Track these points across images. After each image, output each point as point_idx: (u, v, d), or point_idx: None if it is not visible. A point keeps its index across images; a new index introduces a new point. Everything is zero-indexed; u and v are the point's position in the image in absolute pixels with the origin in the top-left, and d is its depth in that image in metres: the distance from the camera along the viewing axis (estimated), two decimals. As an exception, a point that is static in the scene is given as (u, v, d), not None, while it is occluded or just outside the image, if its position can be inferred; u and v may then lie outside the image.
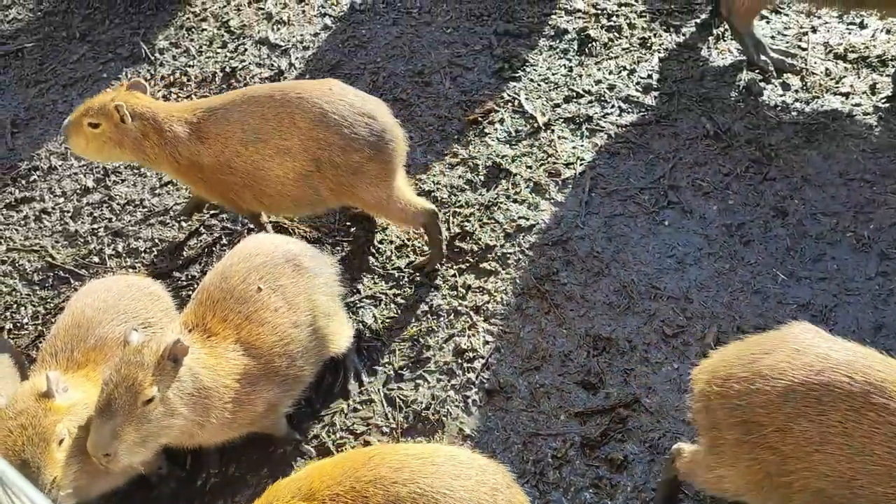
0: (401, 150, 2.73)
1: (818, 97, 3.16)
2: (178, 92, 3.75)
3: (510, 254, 2.87)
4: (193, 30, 4.08)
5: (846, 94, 3.15)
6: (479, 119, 3.36)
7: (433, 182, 3.17)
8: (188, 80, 3.80)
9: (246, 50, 3.89)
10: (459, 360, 2.61)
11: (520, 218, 2.97)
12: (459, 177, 3.17)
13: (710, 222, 2.81)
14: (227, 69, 3.81)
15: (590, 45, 3.58)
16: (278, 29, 3.97)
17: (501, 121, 3.34)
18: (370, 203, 2.72)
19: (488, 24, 3.77)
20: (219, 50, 3.93)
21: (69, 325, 2.24)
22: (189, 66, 3.87)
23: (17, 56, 4.12)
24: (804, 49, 3.37)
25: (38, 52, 4.11)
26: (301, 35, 3.91)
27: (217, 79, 3.77)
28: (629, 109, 3.28)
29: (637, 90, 3.35)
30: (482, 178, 3.15)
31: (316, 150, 2.60)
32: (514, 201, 3.04)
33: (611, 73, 3.45)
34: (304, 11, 4.05)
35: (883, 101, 3.07)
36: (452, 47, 3.69)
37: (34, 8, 4.41)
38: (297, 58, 3.79)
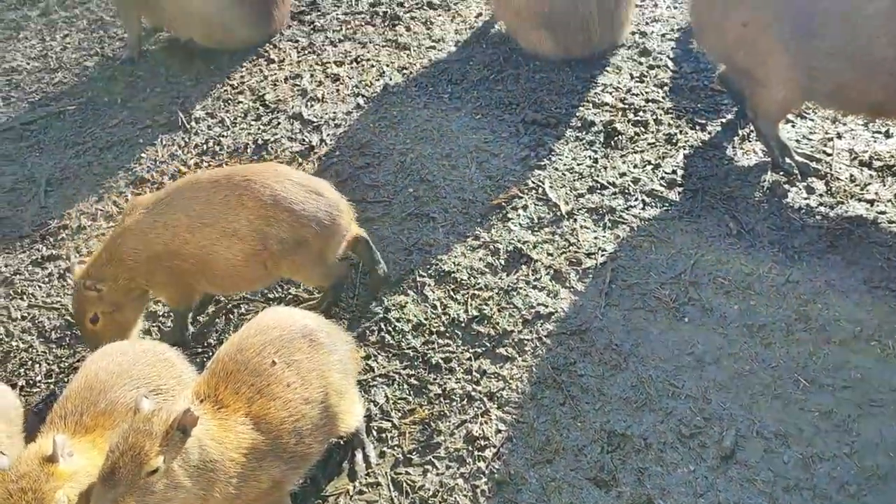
0: (345, 225, 2.88)
1: (842, 203, 3.17)
2: (210, 161, 3.84)
3: (527, 340, 2.84)
4: (230, 101, 4.20)
5: (871, 202, 3.15)
6: (503, 204, 3.40)
7: (454, 263, 3.18)
8: (220, 150, 3.89)
9: (279, 124, 3.99)
10: (470, 448, 2.56)
11: (539, 305, 2.95)
12: (480, 259, 3.18)
13: (730, 322, 2.78)
14: (260, 141, 3.90)
15: (616, 138, 3.64)
16: (312, 105, 4.08)
17: (525, 207, 3.38)
18: (303, 273, 2.85)
19: (516, 112, 3.86)
20: (252, 122, 4.04)
21: (81, 387, 2.23)
22: (223, 136, 3.98)
23: (59, 117, 4.25)
24: (829, 154, 3.40)
25: (80, 115, 4.25)
26: (334, 112, 4.01)
27: (249, 150, 3.86)
28: (653, 203, 3.30)
29: (661, 185, 3.38)
30: (503, 262, 3.16)
31: (265, 227, 2.68)
32: (534, 287, 3.03)
33: (636, 166, 3.49)
34: (338, 90, 4.17)
35: (908, 210, 3.07)
36: (480, 133, 3.77)
37: (80, 73, 4.59)
38: (328, 134, 3.88)
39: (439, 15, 4.67)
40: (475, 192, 3.47)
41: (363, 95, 4.11)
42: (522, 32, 4.12)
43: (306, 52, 4.52)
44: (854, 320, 2.71)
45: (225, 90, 4.30)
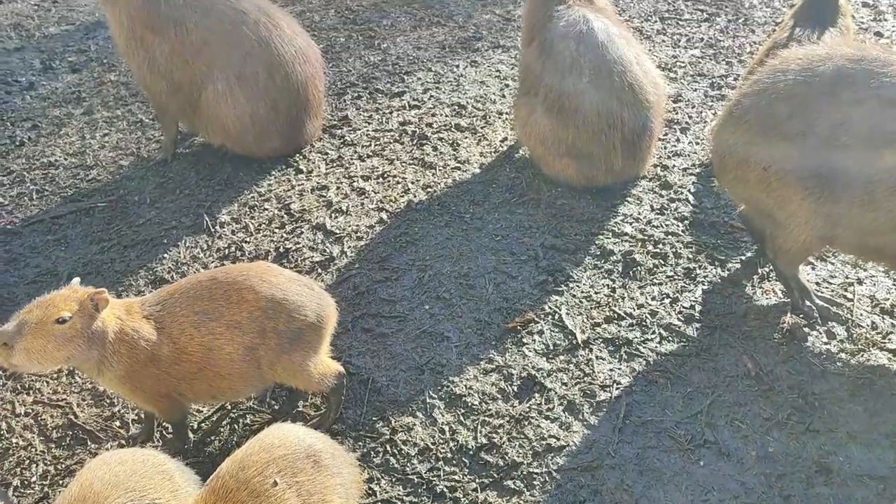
0: (333, 319, 2.95)
1: (864, 350, 3.11)
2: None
3: (537, 474, 2.75)
4: (255, 208, 4.29)
5: (893, 352, 3.09)
6: (519, 328, 3.38)
7: (465, 386, 3.13)
8: (242, 256, 3.94)
9: (302, 233, 4.05)
10: (470, 588, 2.43)
11: (550, 437, 2.88)
12: (493, 384, 3.13)
13: (748, 468, 2.69)
14: (281, 249, 3.95)
15: (634, 268, 3.65)
16: (336, 217, 4.15)
17: (540, 332, 3.35)
18: (298, 370, 2.82)
19: (536, 236, 3.89)
20: (276, 230, 4.10)
21: (75, 496, 2.16)
22: (245, 241, 4.03)
23: (89, 213, 4.35)
24: (850, 300, 3.37)
25: (109, 212, 4.34)
26: (357, 225, 4.07)
27: (269, 257, 3.90)
28: (670, 338, 3.27)
29: (679, 319, 3.35)
30: (515, 388, 3.11)
31: (264, 319, 2.73)
32: (546, 418, 2.96)
33: (654, 298, 3.48)
34: (362, 204, 4.24)
35: (932, 362, 3.01)
36: (499, 255, 3.79)
37: (114, 171, 4.72)
38: (349, 247, 3.92)
39: (466, 137, 4.80)
40: (491, 314, 3.46)
41: (387, 210, 4.18)
42: (546, 159, 4.22)
43: (335, 164, 4.64)
44: (877, 476, 2.61)
45: (252, 196, 4.39)
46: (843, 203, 2.90)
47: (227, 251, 3.98)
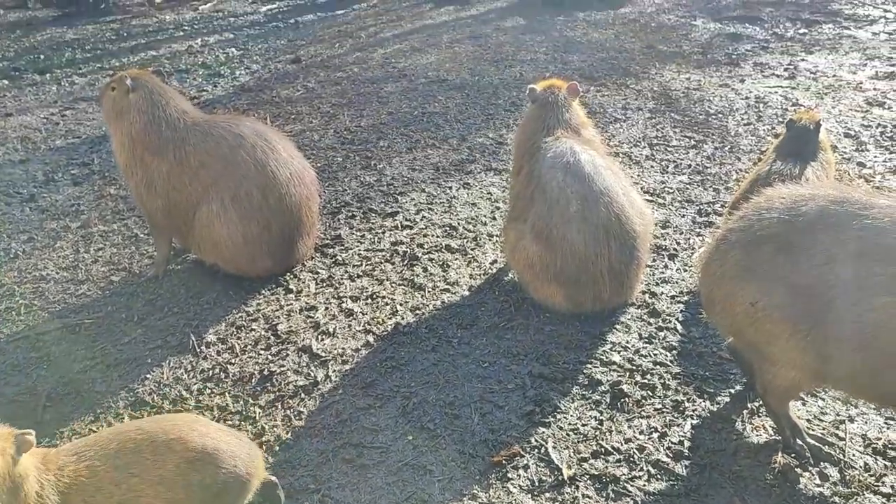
0: (260, 474, 2.88)
1: (858, 494, 3.02)
2: (214, 388, 3.82)
3: None
4: (243, 328, 4.27)
5: (888, 496, 3.00)
6: (504, 462, 3.29)
7: (447, 525, 3.01)
8: (225, 377, 3.89)
9: (287, 355, 4.01)
10: None
11: (533, 583, 2.75)
12: (475, 523, 3.02)
13: None
14: (266, 372, 3.90)
15: (622, 399, 3.59)
16: (322, 339, 4.13)
17: (526, 467, 3.26)
18: None
19: (524, 363, 3.86)
20: (262, 351, 4.06)
21: None
22: (230, 363, 3.99)
23: (75, 330, 4.32)
24: (842, 438, 3.31)
25: (95, 329, 4.32)
26: (343, 348, 4.04)
27: (253, 380, 3.85)
28: (658, 476, 3.17)
29: (667, 456, 3.27)
30: (499, 528, 2.99)
31: (190, 472, 2.62)
32: (530, 561, 2.84)
33: (642, 432, 3.41)
34: (350, 325, 4.23)
35: (928, 510, 2.91)
36: (486, 382, 3.74)
37: (104, 287, 4.73)
38: (334, 371, 3.88)
39: (456, 259, 4.85)
40: (476, 447, 3.38)
41: (374, 333, 4.16)
42: (534, 284, 4.24)
43: (324, 284, 4.65)
44: None
45: (240, 316, 4.38)
46: (831, 342, 2.89)
47: (210, 373, 3.93)
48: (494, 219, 5.34)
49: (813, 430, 3.33)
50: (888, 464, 3.17)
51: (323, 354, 4.01)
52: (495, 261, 4.82)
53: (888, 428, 3.35)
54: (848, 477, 3.11)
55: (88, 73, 10.21)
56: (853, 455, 3.22)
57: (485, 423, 3.50)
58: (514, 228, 4.32)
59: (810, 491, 3.05)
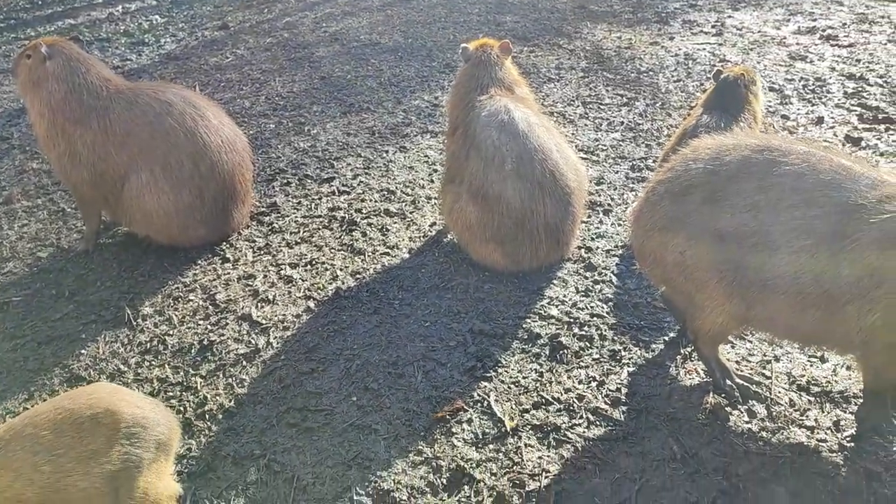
0: (177, 438, 2.85)
1: (784, 428, 3.18)
2: (152, 360, 3.76)
3: (466, 572, 2.68)
4: (180, 299, 4.20)
5: (811, 429, 3.17)
6: (448, 417, 3.34)
7: (394, 481, 3.06)
8: (164, 349, 3.83)
9: (227, 324, 3.97)
10: None
11: (479, 531, 2.82)
12: (421, 478, 3.07)
13: (677, 556, 2.68)
14: (206, 342, 3.86)
15: (561, 351, 3.68)
16: (262, 307, 4.10)
17: (469, 421, 3.32)
18: (146, 494, 2.67)
19: (465, 321, 3.91)
20: (200, 321, 4.01)
21: None
22: (168, 334, 3.93)
23: (2, 309, 4.18)
24: (768, 377, 3.46)
25: (24, 307, 4.19)
26: (283, 315, 4.02)
27: (193, 350, 3.81)
28: (597, 422, 3.28)
29: (606, 403, 3.37)
30: (444, 481, 3.05)
31: (125, 444, 2.58)
32: (476, 511, 2.91)
33: (581, 382, 3.50)
34: (289, 292, 4.20)
35: (847, 439, 3.08)
36: (428, 341, 3.78)
37: (31, 263, 4.58)
38: (275, 337, 3.86)
39: (395, 222, 4.85)
40: (420, 404, 3.42)
41: (314, 298, 4.14)
42: (472, 245, 4.28)
43: (262, 252, 4.60)
44: (802, 559, 2.63)
45: (176, 287, 4.31)
46: (755, 286, 3.00)
47: (148, 345, 3.87)
48: (432, 181, 5.35)
49: (741, 371, 3.47)
50: (811, 399, 3.33)
51: (263, 322, 3.98)
52: (434, 223, 4.83)
53: (811, 365, 3.52)
54: (774, 413, 3.26)
55: (2, 44, 9.74)
56: (779, 392, 3.37)
57: (428, 381, 3.54)
58: (451, 190, 4.33)
59: (739, 428, 3.19)
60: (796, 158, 2.94)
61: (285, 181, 5.44)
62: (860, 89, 6.97)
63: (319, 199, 5.17)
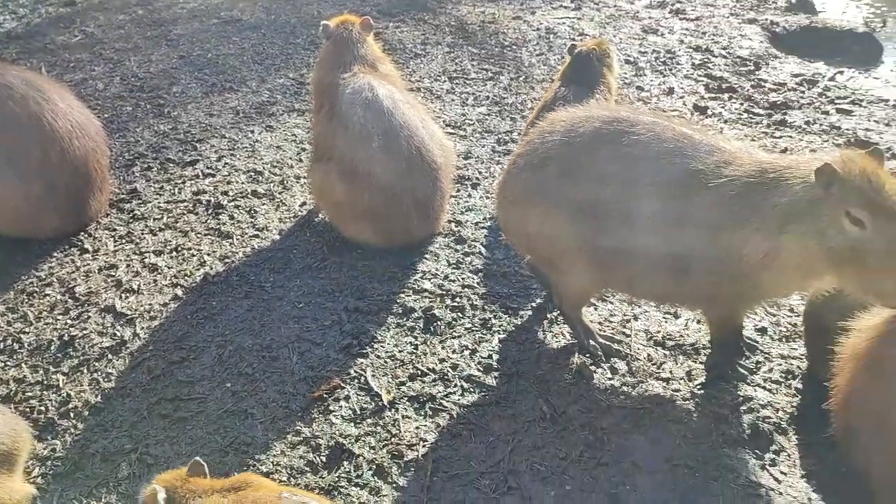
0: (27, 446, 2.86)
1: (643, 381, 3.40)
2: (7, 360, 3.55)
3: (348, 545, 2.73)
4: (35, 294, 3.98)
5: (667, 380, 3.41)
6: (325, 396, 3.36)
7: (272, 463, 3.05)
8: (20, 348, 3.62)
9: (89, 318, 3.80)
10: None
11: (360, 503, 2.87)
12: (300, 457, 3.08)
13: (548, 509, 2.83)
14: (66, 337, 3.68)
15: (435, 323, 3.76)
16: (126, 297, 3.94)
17: (347, 398, 3.35)
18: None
19: (339, 300, 3.92)
20: (59, 316, 3.82)
21: None
22: (24, 332, 3.72)
23: None
24: (628, 335, 3.68)
25: None
26: (150, 304, 3.89)
27: (53, 347, 3.62)
28: (471, 389, 3.39)
29: (478, 370, 3.49)
30: (324, 458, 3.08)
31: None
32: (356, 485, 2.96)
33: (454, 351, 3.60)
34: (155, 281, 4.06)
35: (698, 387, 3.34)
36: (302, 322, 3.77)
37: None
38: (142, 328, 3.73)
39: (264, 204, 4.76)
40: (296, 385, 3.42)
41: (182, 286, 4.03)
42: (343, 223, 4.28)
43: (124, 241, 4.42)
44: (660, 501, 2.84)
45: (31, 282, 4.07)
46: (611, 251, 3.17)
47: (2, 345, 3.65)
48: (301, 160, 5.28)
49: (604, 331, 3.68)
50: (667, 353, 3.58)
51: (129, 313, 3.83)
52: (304, 202, 4.79)
53: (666, 322, 3.77)
54: (634, 368, 3.48)
55: None
56: (638, 349, 3.60)
57: (303, 362, 3.54)
58: (320, 169, 4.30)
59: (603, 384, 3.39)
60: (643, 129, 3.12)
61: (146, 166, 5.22)
62: (706, 60, 7.42)
63: (183, 183, 4.99)
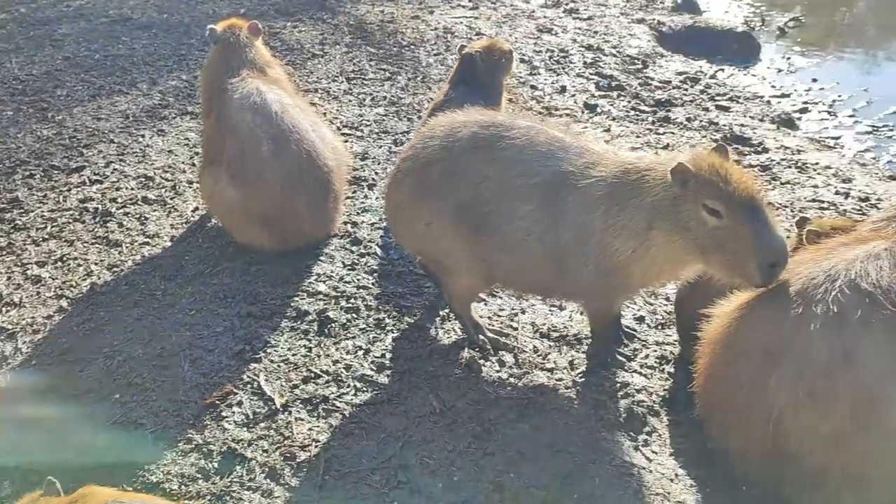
0: None
1: (529, 372, 3.55)
2: None
3: (240, 549, 2.76)
4: None
5: (551, 370, 3.57)
6: (217, 402, 3.36)
7: (163, 472, 3.04)
8: None
9: (-33, 334, 3.68)
10: None
11: (252, 508, 2.91)
12: (192, 465, 3.08)
13: (436, 501, 2.93)
14: (-59, 356, 3.55)
15: (329, 325, 3.81)
16: (7, 311, 3.83)
17: (240, 403, 3.37)
18: None
19: (232, 305, 3.92)
20: (-66, 335, 3.68)
21: None
22: None
23: None
24: (516, 329, 3.83)
25: None
26: (32, 318, 3.79)
27: (-74, 367, 3.50)
28: (364, 389, 3.46)
29: (371, 369, 3.56)
30: (216, 465, 3.09)
31: None
32: (248, 489, 2.98)
33: (348, 352, 3.67)
34: (38, 293, 3.96)
35: (579, 375, 3.51)
36: (194, 329, 3.75)
37: None
38: (24, 342, 3.64)
39: (155, 210, 4.69)
40: (188, 393, 3.41)
41: (67, 297, 3.94)
42: (236, 227, 4.27)
43: (4, 252, 4.27)
44: (542, 486, 2.98)
45: None
46: (493, 249, 3.30)
47: None
48: (194, 165, 5.22)
49: (493, 325, 3.82)
50: (552, 344, 3.74)
51: (9, 327, 3.73)
52: (197, 208, 4.74)
53: (551, 314, 3.94)
54: (521, 360, 3.63)
55: None
56: (525, 341, 3.75)
57: (195, 369, 3.53)
58: (210, 174, 4.28)
59: (491, 377, 3.52)
60: (518, 132, 3.26)
61: (28, 173, 5.05)
62: (597, 59, 7.71)
63: (68, 190, 4.86)
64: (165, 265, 4.20)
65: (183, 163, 5.25)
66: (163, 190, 4.91)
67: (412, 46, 7.80)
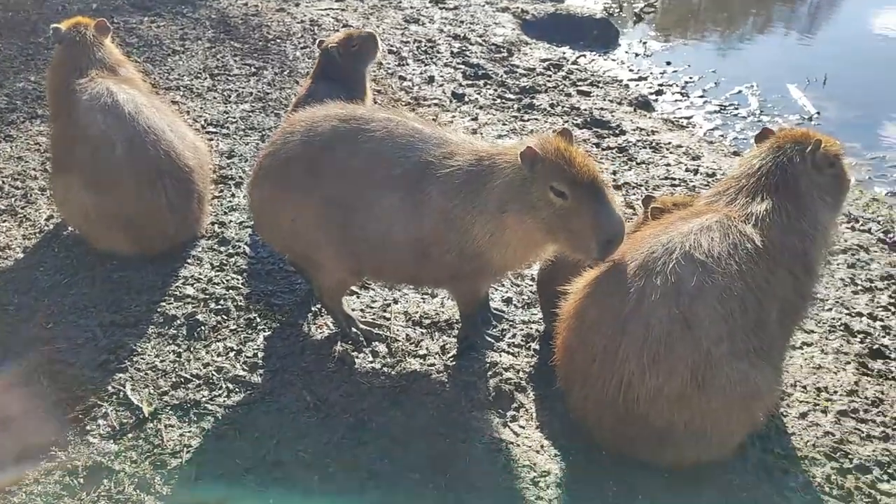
0: None
1: (402, 361, 3.62)
2: None
3: (110, 564, 2.69)
4: None
5: (423, 356, 3.65)
6: (80, 416, 3.25)
7: (25, 493, 2.92)
8: None
9: None
10: None
11: (121, 521, 2.84)
12: (56, 483, 2.97)
13: (312, 492, 2.96)
14: None
15: (199, 329, 3.75)
16: None
17: (105, 415, 3.27)
18: None
19: (93, 316, 3.78)
20: None
21: None
22: None
23: None
24: (388, 319, 3.89)
25: None
26: None
27: None
28: (236, 389, 3.43)
29: (244, 369, 3.53)
30: (82, 481, 2.99)
31: None
32: (116, 502, 2.91)
33: (219, 354, 3.62)
34: None
35: (450, 359, 3.61)
36: (53, 343, 3.60)
37: None
38: None
39: (5, 220, 4.45)
40: (49, 410, 3.27)
41: None
42: (94, 234, 4.12)
43: None
44: (416, 469, 3.06)
45: None
46: (359, 242, 3.34)
47: None
48: (46, 171, 4.96)
49: (365, 317, 3.86)
50: (424, 331, 3.83)
51: None
52: (51, 216, 4.53)
53: (423, 302, 4.03)
54: (394, 349, 3.69)
55: None
56: (398, 330, 3.82)
57: (56, 385, 3.39)
58: (62, 181, 4.10)
59: (365, 368, 3.57)
60: (377, 125, 3.31)
61: None
62: (464, 49, 7.85)
63: None
64: (18, 278, 4.00)
65: (34, 169, 4.99)
66: (13, 199, 4.65)
67: (278, 40, 7.69)
